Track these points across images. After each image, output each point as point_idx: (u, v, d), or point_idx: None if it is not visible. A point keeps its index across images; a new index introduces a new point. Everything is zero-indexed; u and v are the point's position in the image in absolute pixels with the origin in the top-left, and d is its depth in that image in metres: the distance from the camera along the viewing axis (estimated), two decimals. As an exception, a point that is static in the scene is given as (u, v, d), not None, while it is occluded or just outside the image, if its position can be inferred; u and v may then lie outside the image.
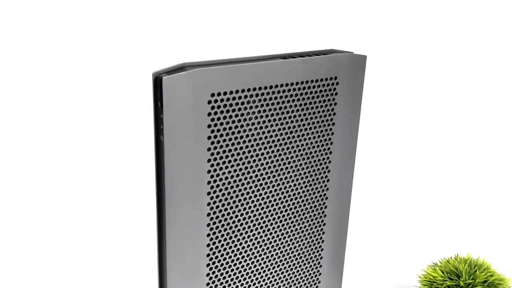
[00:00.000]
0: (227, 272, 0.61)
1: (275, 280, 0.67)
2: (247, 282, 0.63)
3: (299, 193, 0.65)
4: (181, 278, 0.57)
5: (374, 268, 1.06)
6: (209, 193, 0.56)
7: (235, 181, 0.58)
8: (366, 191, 1.32)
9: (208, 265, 0.59)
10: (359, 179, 1.30)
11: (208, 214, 0.57)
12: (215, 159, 0.56)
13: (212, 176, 0.56)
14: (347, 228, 0.74)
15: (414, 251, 1.11)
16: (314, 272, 0.71)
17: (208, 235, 0.58)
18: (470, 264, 0.79)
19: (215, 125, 0.55)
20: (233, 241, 0.60)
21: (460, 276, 0.76)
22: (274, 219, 0.63)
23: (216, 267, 0.60)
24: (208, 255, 0.58)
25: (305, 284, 0.70)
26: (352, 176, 0.72)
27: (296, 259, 0.68)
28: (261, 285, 0.65)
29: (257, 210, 0.61)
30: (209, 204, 0.57)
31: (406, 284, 1.01)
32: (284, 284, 0.68)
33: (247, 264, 0.63)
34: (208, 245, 0.58)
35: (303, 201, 0.65)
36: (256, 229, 0.62)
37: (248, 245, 0.62)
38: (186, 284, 0.58)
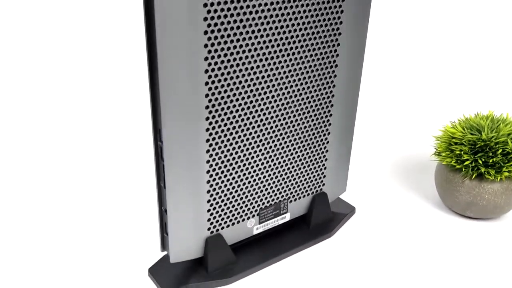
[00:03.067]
0: (228, 134, 0.55)
1: (282, 148, 0.61)
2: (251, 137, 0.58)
3: (310, 54, 0.57)
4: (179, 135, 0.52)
5: (387, 134, 1.01)
6: (206, 46, 0.49)
7: (235, 46, 0.51)
8: (380, 54, 1.25)
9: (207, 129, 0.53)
10: (372, 39, 1.22)
11: (206, 59, 0.50)
12: (214, 25, 0.48)
13: (210, 39, 0.49)
14: (358, 89, 0.68)
15: (429, 115, 1.05)
16: (322, 140, 0.66)
17: (207, 85, 0.51)
18: (492, 120, 0.73)
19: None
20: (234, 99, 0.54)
21: (482, 130, 0.70)
22: (281, 76, 0.57)
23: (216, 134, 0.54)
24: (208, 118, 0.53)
25: (312, 154, 0.65)
26: (365, 37, 0.64)
27: (304, 124, 0.62)
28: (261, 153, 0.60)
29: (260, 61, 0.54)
30: (206, 59, 0.50)
31: (422, 146, 0.96)
32: (289, 159, 0.63)
33: (249, 122, 0.57)
34: (207, 106, 0.52)
35: (312, 54, 0.58)
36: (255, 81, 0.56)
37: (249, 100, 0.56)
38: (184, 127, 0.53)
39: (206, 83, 0.52)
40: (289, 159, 0.64)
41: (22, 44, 1.08)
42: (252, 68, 0.54)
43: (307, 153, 0.65)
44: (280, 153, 0.62)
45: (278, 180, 0.64)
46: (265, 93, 0.57)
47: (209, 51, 0.50)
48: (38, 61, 1.09)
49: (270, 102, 0.58)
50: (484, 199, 0.70)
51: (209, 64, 0.51)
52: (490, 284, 0.62)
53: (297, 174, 0.66)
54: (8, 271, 0.63)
